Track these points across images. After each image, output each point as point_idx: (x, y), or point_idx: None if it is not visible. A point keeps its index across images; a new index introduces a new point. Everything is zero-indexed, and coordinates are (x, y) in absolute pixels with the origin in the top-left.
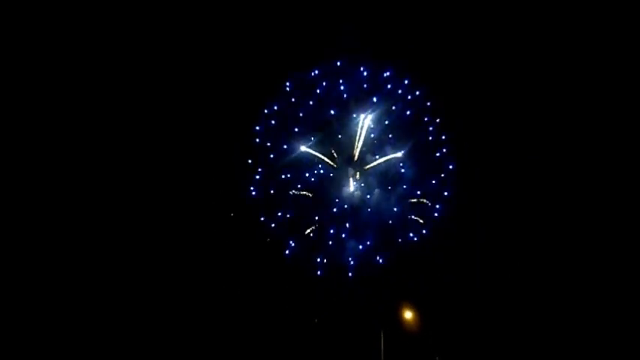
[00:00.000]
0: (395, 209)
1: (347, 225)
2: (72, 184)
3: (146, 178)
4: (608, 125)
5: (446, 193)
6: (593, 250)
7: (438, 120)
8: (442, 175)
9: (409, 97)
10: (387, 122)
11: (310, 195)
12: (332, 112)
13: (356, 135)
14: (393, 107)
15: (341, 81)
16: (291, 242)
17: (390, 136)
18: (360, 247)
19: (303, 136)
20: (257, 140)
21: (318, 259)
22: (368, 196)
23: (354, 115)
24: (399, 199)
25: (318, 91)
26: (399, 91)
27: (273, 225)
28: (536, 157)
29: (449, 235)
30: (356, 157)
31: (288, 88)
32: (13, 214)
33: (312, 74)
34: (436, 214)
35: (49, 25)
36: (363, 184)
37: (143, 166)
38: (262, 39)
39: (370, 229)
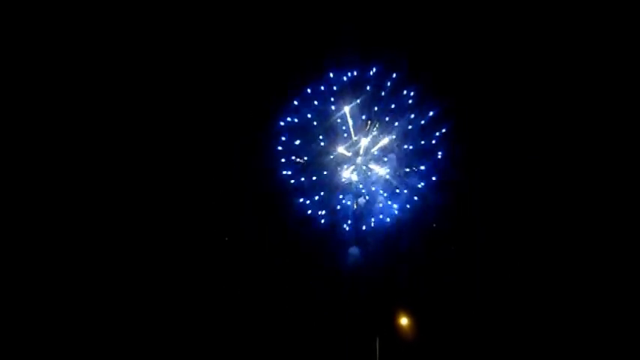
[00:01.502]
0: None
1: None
2: (71, 183)
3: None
4: (609, 125)
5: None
6: (594, 251)
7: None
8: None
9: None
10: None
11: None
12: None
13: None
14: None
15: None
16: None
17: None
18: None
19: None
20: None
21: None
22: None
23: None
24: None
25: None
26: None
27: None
28: (536, 157)
29: (448, 236)
30: (359, 162)
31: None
32: (12, 213)
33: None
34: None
35: (49, 24)
36: (365, 191)
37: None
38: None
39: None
